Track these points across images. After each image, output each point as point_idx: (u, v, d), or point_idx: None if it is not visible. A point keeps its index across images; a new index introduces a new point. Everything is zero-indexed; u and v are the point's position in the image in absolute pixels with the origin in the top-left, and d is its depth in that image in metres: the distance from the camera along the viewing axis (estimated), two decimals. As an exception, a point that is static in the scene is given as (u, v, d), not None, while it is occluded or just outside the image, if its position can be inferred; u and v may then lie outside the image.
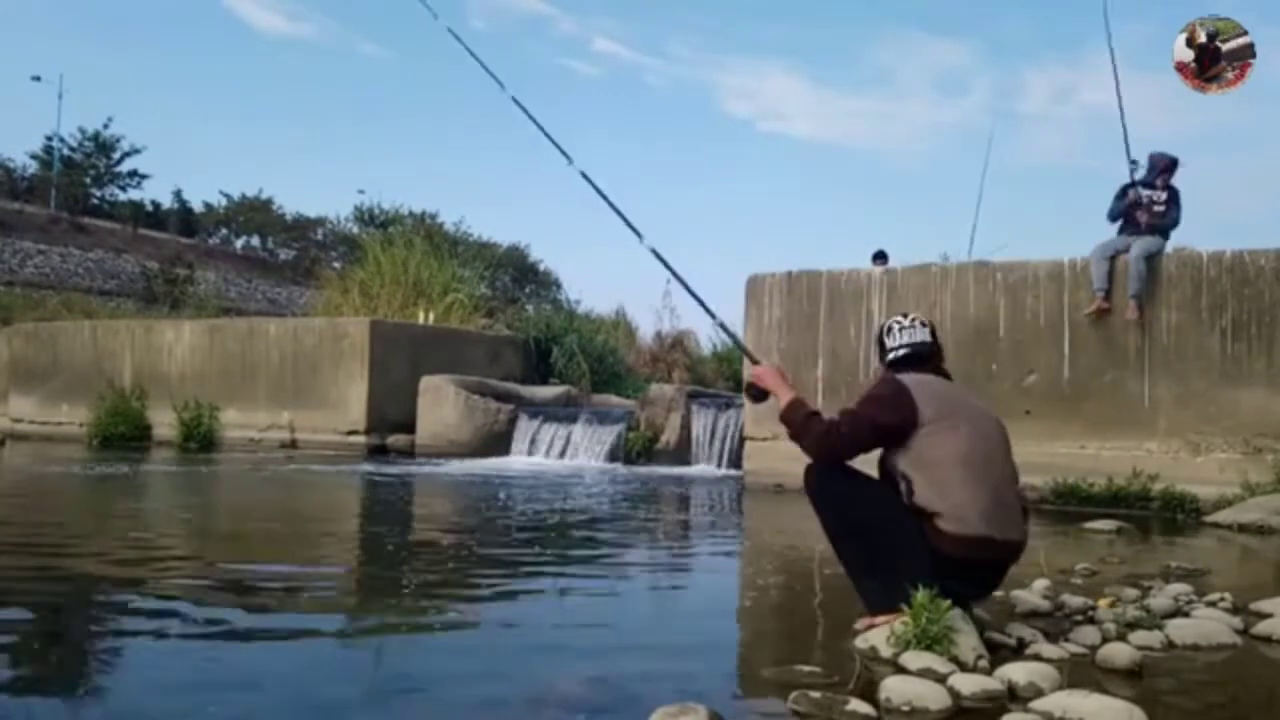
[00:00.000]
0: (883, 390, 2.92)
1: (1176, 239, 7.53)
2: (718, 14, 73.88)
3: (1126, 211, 7.48)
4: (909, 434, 2.81)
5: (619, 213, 3.63)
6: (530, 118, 4.00)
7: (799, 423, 2.95)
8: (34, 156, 35.25)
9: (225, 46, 64.08)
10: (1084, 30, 69.06)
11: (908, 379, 2.92)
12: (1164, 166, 7.48)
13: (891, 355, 3.09)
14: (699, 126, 71.74)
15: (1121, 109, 7.74)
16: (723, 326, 4.12)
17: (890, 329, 3.13)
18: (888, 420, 2.84)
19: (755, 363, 3.24)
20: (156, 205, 38.15)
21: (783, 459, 7.79)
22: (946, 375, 3.08)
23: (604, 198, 3.66)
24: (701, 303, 3.65)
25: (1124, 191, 7.56)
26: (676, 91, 70.64)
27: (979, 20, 67.54)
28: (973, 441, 2.81)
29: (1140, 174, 7.60)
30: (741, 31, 74.02)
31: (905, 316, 3.16)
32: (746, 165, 69.00)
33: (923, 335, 3.09)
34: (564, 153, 3.89)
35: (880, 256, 11.40)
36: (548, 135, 3.94)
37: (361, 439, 11.85)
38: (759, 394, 3.12)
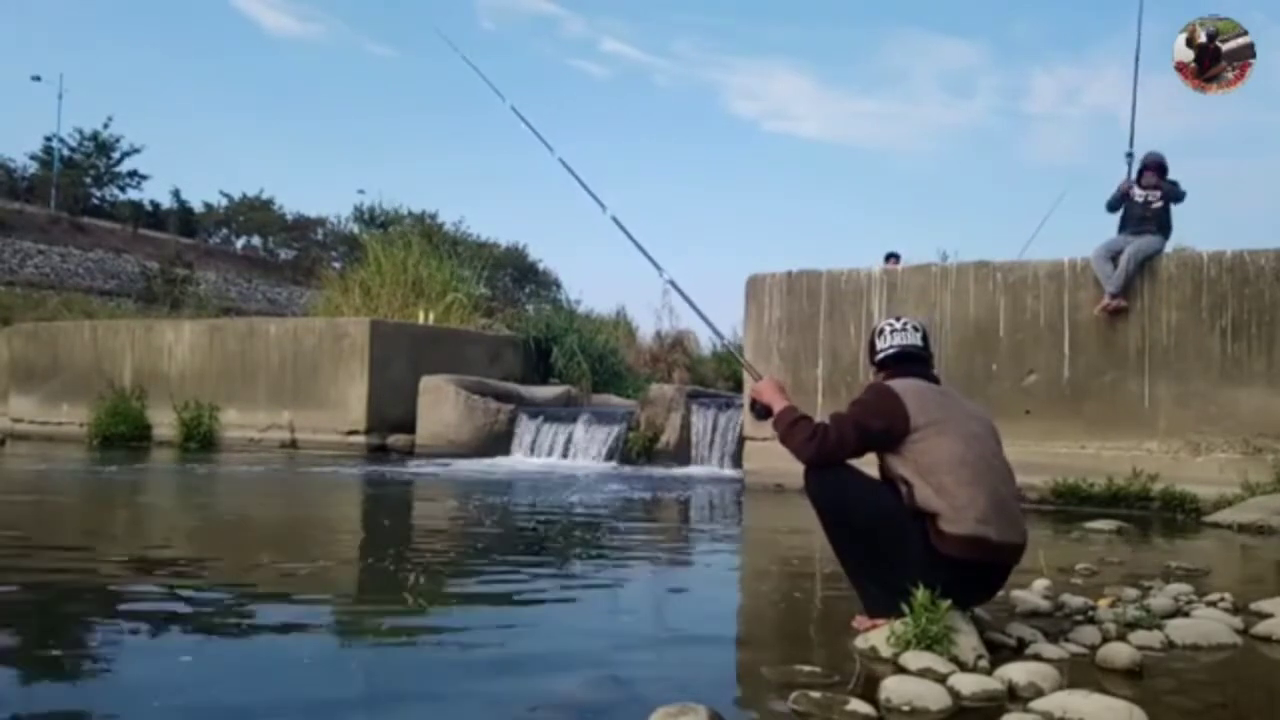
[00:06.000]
0: (870, 395, 2.95)
1: (1177, 239, 7.56)
2: (726, 14, 74.05)
3: (1124, 207, 7.50)
4: (900, 439, 2.83)
5: (643, 251, 3.81)
6: (572, 173, 4.20)
7: (787, 427, 2.98)
8: (34, 157, 35.38)
9: (229, 46, 64.39)
10: (1092, 31, 69.17)
11: (897, 384, 2.95)
12: (1153, 167, 7.49)
13: (881, 355, 3.12)
14: (705, 126, 71.94)
15: (1134, 103, 7.81)
16: (736, 355, 4.26)
17: (882, 331, 3.17)
18: (874, 425, 2.86)
19: (757, 379, 3.26)
20: (156, 205, 38.21)
21: (783, 459, 7.70)
22: (935, 380, 3.09)
23: (632, 240, 3.85)
24: (716, 331, 3.91)
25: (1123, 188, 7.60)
26: (683, 92, 70.87)
27: (988, 20, 67.78)
28: (967, 443, 2.82)
29: (1135, 171, 7.65)
30: (749, 32, 74.23)
31: (899, 320, 3.20)
32: (751, 165, 69.18)
33: (914, 339, 3.11)
34: (599, 201, 4.05)
35: (892, 258, 11.37)
36: (587, 189, 4.12)
37: (361, 439, 11.85)
38: (763, 411, 3.13)
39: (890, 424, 2.83)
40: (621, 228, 3.89)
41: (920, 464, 2.79)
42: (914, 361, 3.08)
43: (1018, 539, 2.85)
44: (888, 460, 2.89)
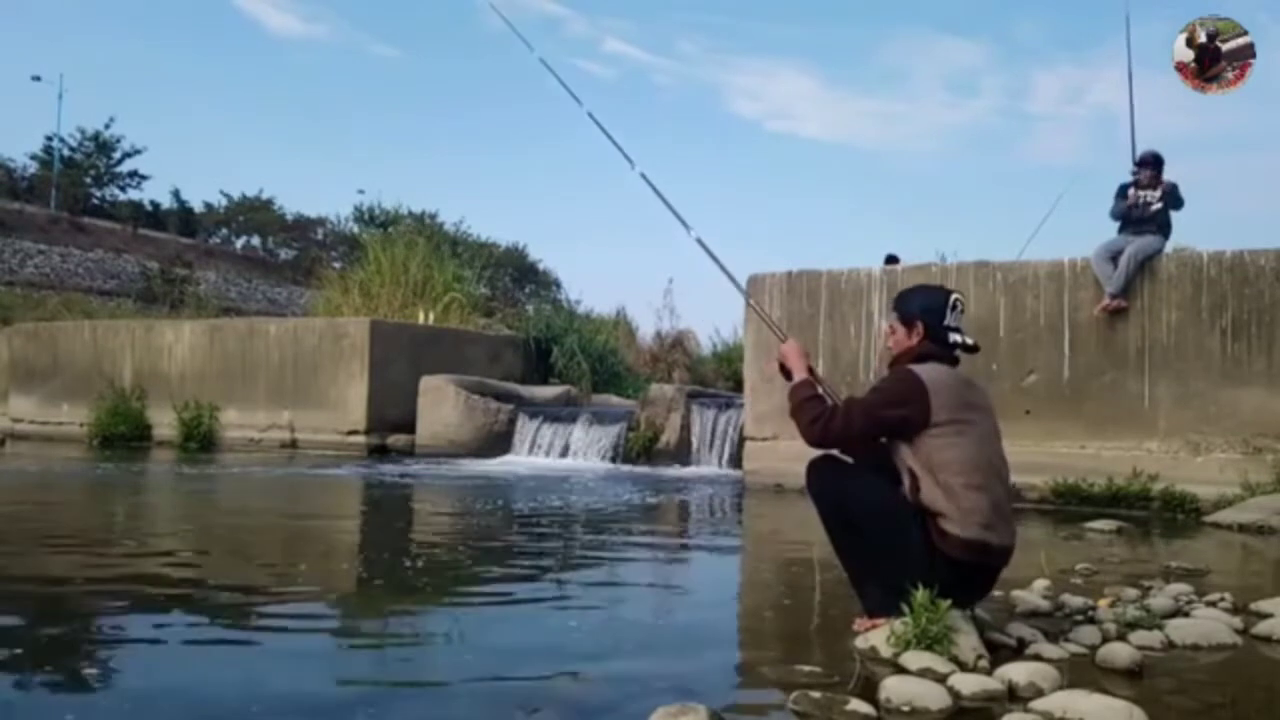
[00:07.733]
0: (892, 384, 2.85)
1: (1177, 239, 7.55)
2: (728, 14, 74.05)
3: (1126, 212, 7.50)
4: (917, 431, 2.77)
5: (670, 207, 3.90)
6: (604, 131, 4.28)
7: (799, 401, 2.91)
8: (34, 156, 35.33)
9: (231, 46, 64.25)
10: (1096, 31, 69.18)
11: (927, 373, 2.82)
12: (1149, 162, 7.48)
13: (952, 340, 2.94)
14: (707, 126, 72.00)
15: (1132, 109, 7.80)
16: (760, 312, 4.34)
17: (955, 304, 2.97)
18: (889, 414, 2.80)
19: (783, 339, 3.19)
20: (156, 205, 38.17)
21: (783, 459, 7.80)
22: (955, 361, 2.99)
23: (661, 197, 3.93)
24: (738, 286, 3.95)
25: (1124, 191, 7.58)
26: (686, 92, 70.90)
27: (990, 20, 67.86)
28: (981, 448, 2.80)
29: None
30: (752, 31, 74.22)
31: (962, 304, 3.01)
32: (753, 165, 69.22)
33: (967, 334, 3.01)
34: (627, 157, 4.14)
35: (891, 260, 11.38)
36: (616, 144, 4.22)
37: (362, 439, 11.85)
38: (787, 373, 3.07)
39: (908, 414, 2.76)
40: (650, 185, 3.95)
41: (931, 460, 2.75)
42: (953, 349, 2.98)
43: (1011, 541, 2.85)
44: (897, 449, 2.84)
